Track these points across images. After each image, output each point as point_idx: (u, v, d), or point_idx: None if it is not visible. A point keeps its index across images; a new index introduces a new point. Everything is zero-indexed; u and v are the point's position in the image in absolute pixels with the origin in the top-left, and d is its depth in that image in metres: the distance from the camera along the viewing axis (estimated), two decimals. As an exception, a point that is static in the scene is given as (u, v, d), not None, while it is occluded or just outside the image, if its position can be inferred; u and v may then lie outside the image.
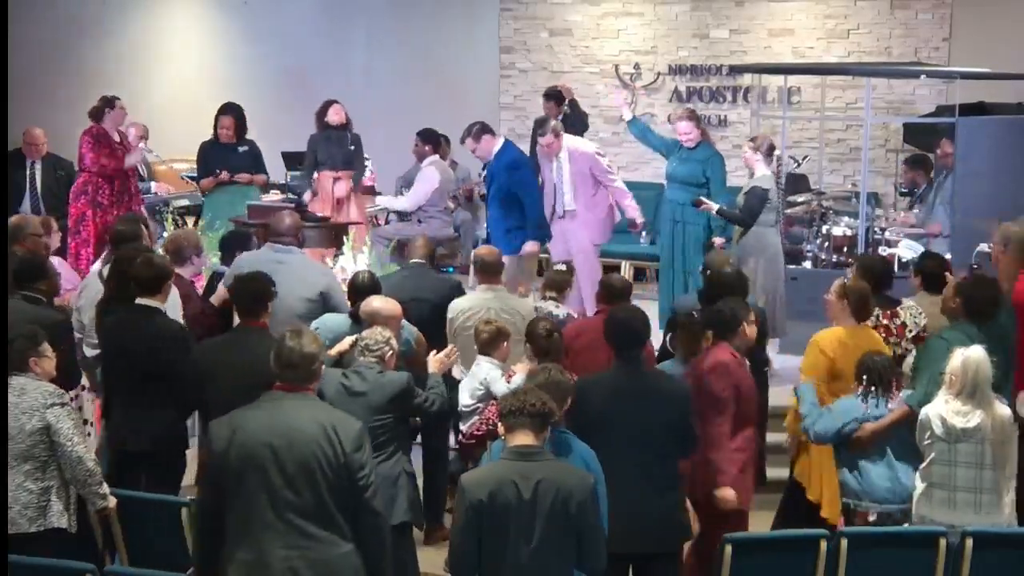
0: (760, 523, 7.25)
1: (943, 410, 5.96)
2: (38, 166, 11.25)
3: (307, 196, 10.62)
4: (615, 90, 10.36)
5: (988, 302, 6.51)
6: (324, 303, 7.30)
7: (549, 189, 9.95)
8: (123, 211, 10.07)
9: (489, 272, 7.46)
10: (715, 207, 9.23)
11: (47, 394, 5.76)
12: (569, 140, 9.88)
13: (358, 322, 6.76)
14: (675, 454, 5.83)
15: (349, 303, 7.07)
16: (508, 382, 6.57)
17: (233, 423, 4.73)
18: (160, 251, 7.64)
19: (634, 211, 9.93)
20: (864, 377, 6.28)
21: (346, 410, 5.80)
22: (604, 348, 6.61)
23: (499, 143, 9.75)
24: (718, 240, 9.45)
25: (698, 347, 6.53)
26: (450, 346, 6.48)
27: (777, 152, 9.47)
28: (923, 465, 6.05)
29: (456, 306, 7.34)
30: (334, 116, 10.73)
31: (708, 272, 7.55)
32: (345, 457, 4.66)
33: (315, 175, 10.78)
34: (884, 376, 6.25)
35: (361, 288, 6.90)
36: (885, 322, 7.09)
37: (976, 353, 5.94)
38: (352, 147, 10.79)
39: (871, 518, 6.16)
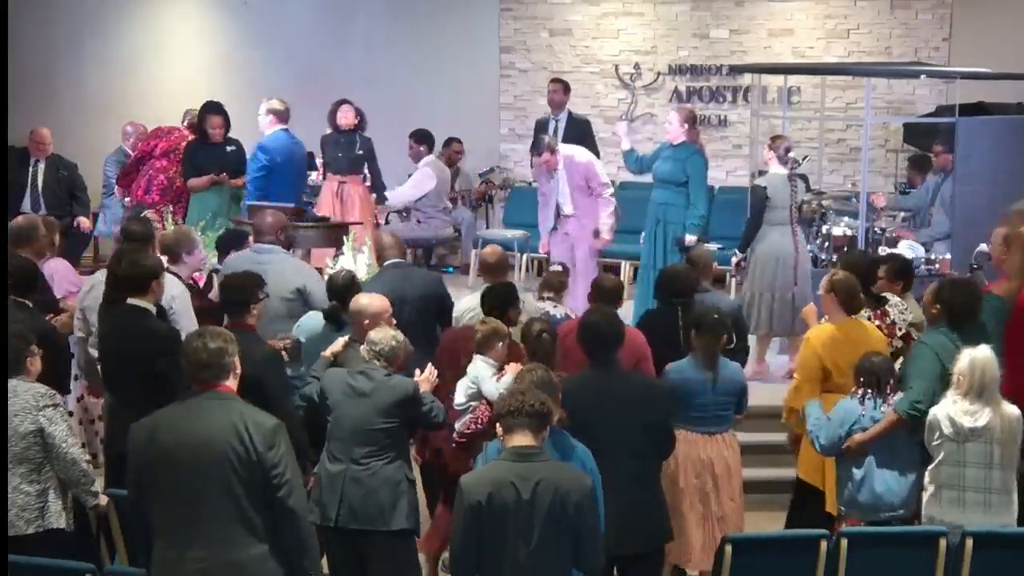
0: (761, 523, 7.26)
1: (951, 410, 5.95)
2: (41, 165, 11.29)
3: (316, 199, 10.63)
4: (618, 124, 10.35)
5: (967, 307, 6.48)
6: (304, 301, 7.28)
7: (549, 201, 9.97)
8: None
9: (494, 271, 7.45)
10: (735, 258, 9.31)
11: (39, 396, 5.74)
12: (565, 150, 9.90)
13: (332, 320, 6.75)
14: (653, 454, 5.85)
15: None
16: (497, 381, 6.56)
17: (152, 423, 4.72)
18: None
19: (605, 227, 9.89)
20: (861, 379, 6.29)
21: (352, 411, 5.82)
22: None
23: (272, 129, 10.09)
24: (690, 238, 9.45)
25: (718, 349, 6.56)
26: (429, 365, 6.43)
27: (793, 155, 9.44)
28: (932, 466, 6.04)
29: (463, 305, 7.33)
30: (343, 118, 10.64)
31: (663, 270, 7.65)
32: (257, 456, 4.60)
33: (320, 177, 10.77)
34: (881, 378, 6.25)
35: (338, 288, 6.88)
36: (877, 322, 7.11)
37: (983, 353, 5.94)
38: (360, 151, 10.68)
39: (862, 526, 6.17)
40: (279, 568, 4.64)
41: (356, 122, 10.68)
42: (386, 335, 6.04)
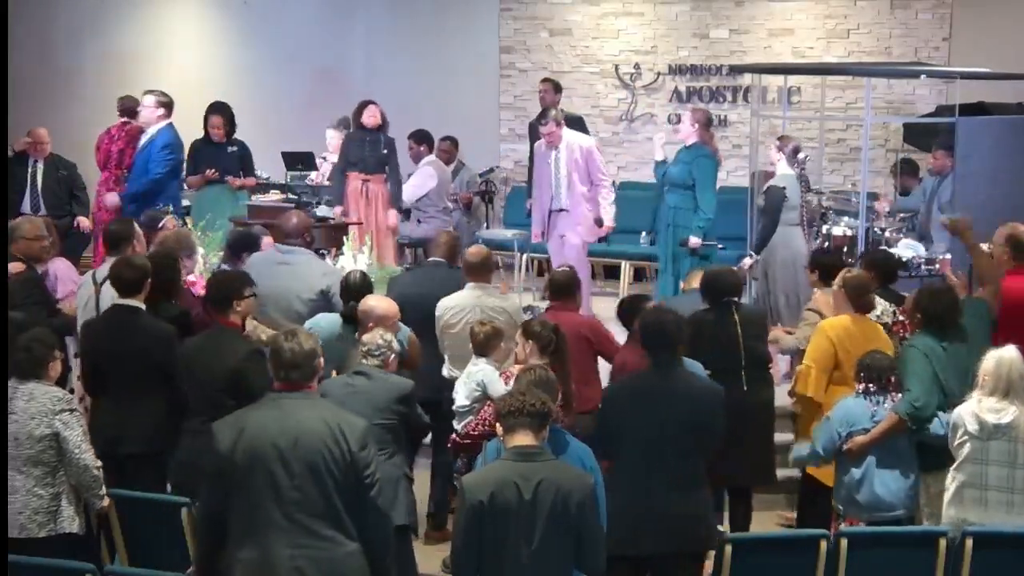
0: (762, 523, 7.27)
1: (976, 408, 5.95)
2: (40, 165, 11.27)
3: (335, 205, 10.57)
4: (656, 135, 10.30)
5: (947, 312, 6.54)
6: (327, 303, 7.27)
7: (546, 183, 9.97)
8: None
9: (476, 271, 7.44)
10: (749, 260, 9.36)
11: (56, 400, 5.77)
12: (568, 133, 9.94)
13: (350, 322, 6.76)
14: (703, 454, 5.79)
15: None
16: (506, 383, 6.56)
17: (238, 423, 4.71)
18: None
19: (606, 213, 9.90)
20: (862, 375, 6.31)
21: (351, 409, 5.81)
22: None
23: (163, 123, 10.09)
24: (694, 240, 9.45)
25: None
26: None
27: (801, 156, 9.45)
28: (954, 465, 6.02)
29: (443, 304, 7.33)
30: (369, 118, 10.59)
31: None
32: (351, 456, 4.64)
33: (319, 177, 10.76)
34: (882, 375, 6.28)
35: (352, 288, 6.90)
36: (902, 318, 7.16)
37: (1009, 353, 5.96)
38: (386, 151, 10.64)
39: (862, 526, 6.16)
40: (366, 566, 4.69)
41: (381, 122, 10.67)
42: (374, 336, 6.09)
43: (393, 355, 6.10)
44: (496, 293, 7.51)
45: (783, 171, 9.35)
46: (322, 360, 4.90)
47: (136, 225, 7.90)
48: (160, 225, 8.50)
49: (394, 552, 4.89)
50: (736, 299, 7.12)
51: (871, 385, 6.28)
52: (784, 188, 9.22)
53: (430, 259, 7.85)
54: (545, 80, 11.71)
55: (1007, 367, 5.91)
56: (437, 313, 7.29)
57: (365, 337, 6.10)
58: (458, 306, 7.25)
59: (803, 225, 9.34)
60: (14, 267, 7.21)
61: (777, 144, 9.50)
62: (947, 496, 6.05)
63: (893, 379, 6.32)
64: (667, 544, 5.64)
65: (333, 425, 4.66)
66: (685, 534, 5.68)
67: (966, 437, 5.96)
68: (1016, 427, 5.91)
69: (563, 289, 7.22)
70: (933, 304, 6.56)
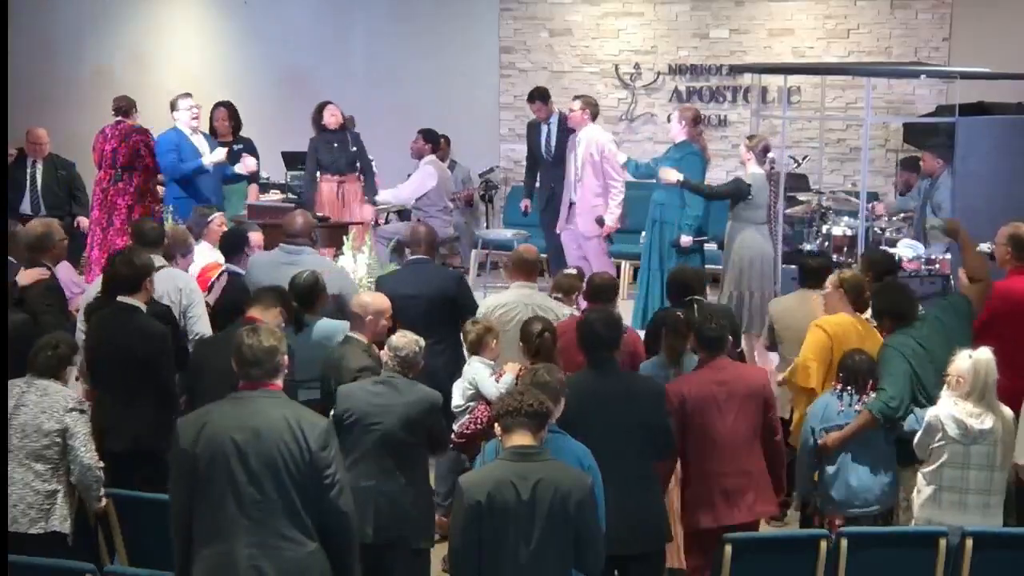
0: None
1: (955, 411, 5.90)
2: (39, 165, 11.25)
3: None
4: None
5: (903, 304, 6.54)
6: (337, 305, 7.20)
7: (569, 174, 10.13)
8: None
9: (525, 270, 7.42)
10: (678, 178, 9.48)
11: (69, 398, 5.82)
12: (592, 126, 10.18)
13: (292, 323, 6.64)
14: (650, 455, 5.79)
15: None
16: (497, 381, 6.55)
17: (200, 420, 4.69)
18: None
19: (610, 214, 10.06)
20: (841, 375, 6.31)
21: (389, 423, 5.66)
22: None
23: None
24: (685, 238, 9.47)
25: (683, 348, 6.54)
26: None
27: (771, 155, 9.48)
28: (929, 468, 5.99)
29: (490, 303, 7.31)
30: (330, 119, 10.63)
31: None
32: (310, 455, 4.59)
33: (318, 179, 10.74)
34: (860, 377, 6.25)
35: (301, 290, 6.79)
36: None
37: (984, 355, 5.91)
38: (354, 148, 10.70)
39: (837, 522, 6.13)
40: (327, 567, 4.65)
41: (343, 121, 10.68)
42: (409, 341, 5.89)
43: (422, 362, 5.99)
44: (543, 293, 7.49)
45: (752, 170, 9.40)
46: (286, 358, 4.81)
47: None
48: (208, 222, 8.53)
49: (357, 556, 4.75)
50: (700, 298, 7.09)
51: (849, 387, 6.26)
52: (751, 186, 9.28)
53: (412, 257, 7.75)
54: (530, 99, 11.31)
55: (984, 370, 5.87)
56: (482, 311, 7.25)
57: (399, 342, 5.88)
58: (508, 304, 7.21)
59: (771, 224, 9.38)
60: (39, 273, 7.18)
61: (746, 143, 9.53)
62: (920, 498, 6.02)
63: (872, 382, 6.27)
64: (626, 547, 5.61)
65: (293, 423, 4.61)
66: (642, 536, 5.70)
67: (944, 441, 5.92)
68: (995, 431, 5.90)
69: (603, 292, 7.11)
70: (884, 301, 6.57)
